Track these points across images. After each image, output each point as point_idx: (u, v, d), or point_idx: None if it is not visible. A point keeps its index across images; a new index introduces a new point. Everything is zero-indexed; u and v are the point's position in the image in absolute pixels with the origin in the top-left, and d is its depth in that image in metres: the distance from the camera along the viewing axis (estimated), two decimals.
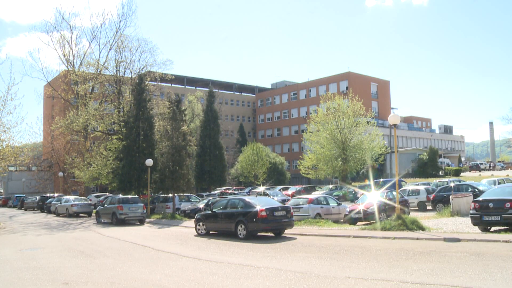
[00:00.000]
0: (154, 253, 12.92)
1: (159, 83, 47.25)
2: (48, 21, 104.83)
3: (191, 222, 21.20)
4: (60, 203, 33.99)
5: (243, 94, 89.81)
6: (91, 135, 44.27)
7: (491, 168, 65.87)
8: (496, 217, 12.90)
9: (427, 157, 54.52)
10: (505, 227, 13.27)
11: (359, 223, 18.73)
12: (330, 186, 38.35)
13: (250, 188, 42.34)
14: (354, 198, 29.04)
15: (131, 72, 42.24)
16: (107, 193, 40.56)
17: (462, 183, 25.70)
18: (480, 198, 13.91)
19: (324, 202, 21.13)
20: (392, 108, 72.80)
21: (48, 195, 45.02)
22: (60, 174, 47.89)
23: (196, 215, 18.38)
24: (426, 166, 54.05)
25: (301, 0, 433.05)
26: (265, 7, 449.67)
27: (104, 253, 13.22)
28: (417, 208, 25.03)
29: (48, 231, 21.73)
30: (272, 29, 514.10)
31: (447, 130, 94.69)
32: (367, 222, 18.04)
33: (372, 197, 19.98)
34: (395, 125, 16.98)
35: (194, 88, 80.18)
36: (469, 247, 11.10)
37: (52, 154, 53.59)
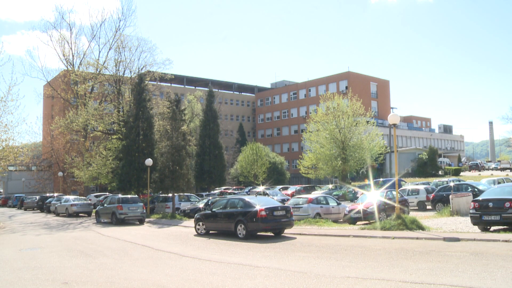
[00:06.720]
0: (154, 253, 12.91)
1: (158, 83, 47.24)
2: (47, 20, 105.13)
3: (190, 222, 21.20)
4: (60, 203, 33.99)
5: (242, 93, 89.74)
6: (91, 135, 44.25)
7: (485, 168, 66.04)
8: (496, 216, 12.91)
9: (427, 157, 54.51)
10: (505, 227, 13.29)
11: (358, 222, 18.74)
12: (330, 185, 38.31)
13: (249, 187, 42.32)
14: (353, 198, 29.01)
15: (130, 71, 42.26)
16: (107, 193, 40.53)
17: (461, 182, 25.70)
18: (479, 198, 13.91)
19: (324, 202, 21.12)
20: (392, 108, 72.59)
21: (47, 194, 45.03)
22: (60, 174, 47.91)
23: (195, 215, 18.38)
24: (426, 166, 54.06)
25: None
26: (265, 7, 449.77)
27: (104, 253, 13.22)
28: (417, 208, 25.03)
29: (47, 230, 21.72)
30: (272, 29, 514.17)
31: (447, 129, 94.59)
32: (367, 222, 18.06)
33: (371, 196, 19.98)
34: (394, 125, 17.00)
35: (193, 87, 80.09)
36: (469, 247, 11.10)
37: (52, 154, 53.58)
